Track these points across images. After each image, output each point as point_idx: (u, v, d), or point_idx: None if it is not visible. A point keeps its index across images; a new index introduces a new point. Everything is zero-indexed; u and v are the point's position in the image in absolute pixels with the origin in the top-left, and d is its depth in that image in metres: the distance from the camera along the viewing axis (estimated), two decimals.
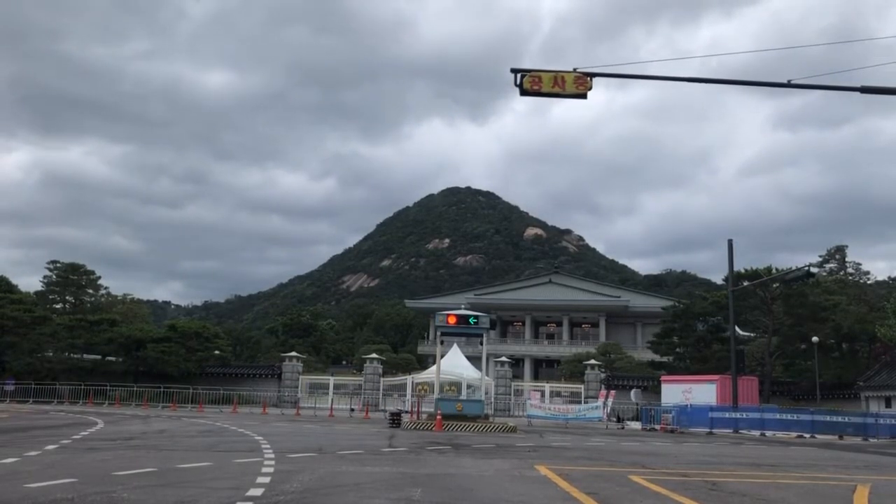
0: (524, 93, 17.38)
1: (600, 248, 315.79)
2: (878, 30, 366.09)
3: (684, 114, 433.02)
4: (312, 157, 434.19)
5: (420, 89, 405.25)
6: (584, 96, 17.53)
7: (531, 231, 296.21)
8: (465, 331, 37.28)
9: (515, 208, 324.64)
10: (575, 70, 17.68)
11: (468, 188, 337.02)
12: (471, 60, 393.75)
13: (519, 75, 17.48)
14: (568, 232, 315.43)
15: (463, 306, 46.94)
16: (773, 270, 56.87)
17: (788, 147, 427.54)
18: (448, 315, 35.69)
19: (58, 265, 73.55)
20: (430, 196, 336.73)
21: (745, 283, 54.79)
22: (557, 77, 17.58)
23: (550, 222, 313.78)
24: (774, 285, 56.40)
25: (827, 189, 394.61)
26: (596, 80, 17.69)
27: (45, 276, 74.27)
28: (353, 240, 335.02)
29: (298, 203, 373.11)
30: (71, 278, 72.90)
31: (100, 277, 75.44)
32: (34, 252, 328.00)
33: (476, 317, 35.67)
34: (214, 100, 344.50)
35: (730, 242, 49.08)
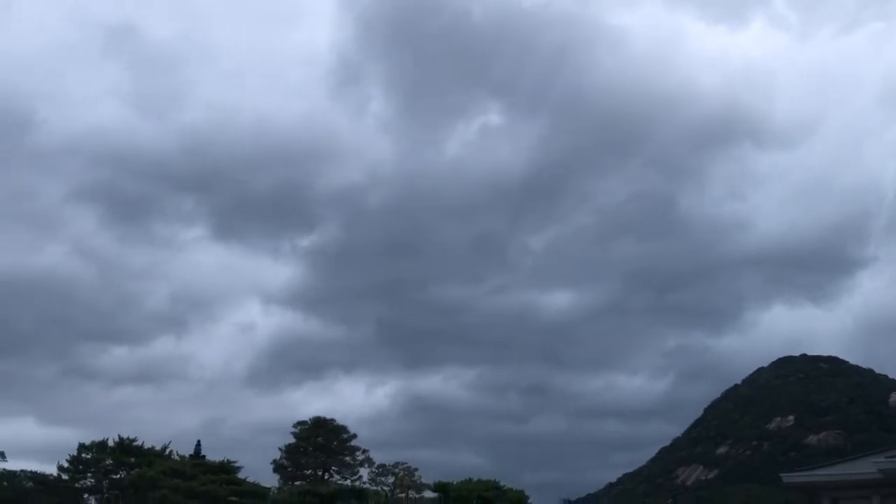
0: None
1: None
2: None
3: None
4: (648, 357, 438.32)
5: (754, 280, 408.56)
6: None
7: None
8: None
9: (869, 371, 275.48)
10: None
11: (803, 356, 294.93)
12: (808, 246, 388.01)
13: None
14: None
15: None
16: None
17: None
18: None
19: (304, 424, 63.06)
20: (760, 370, 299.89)
21: None
22: None
23: None
24: None
25: None
26: None
27: (286, 445, 63.49)
28: (680, 429, 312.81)
29: (633, 404, 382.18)
30: (317, 440, 61.86)
31: (354, 436, 63.04)
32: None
33: None
34: (555, 317, 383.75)
35: None
